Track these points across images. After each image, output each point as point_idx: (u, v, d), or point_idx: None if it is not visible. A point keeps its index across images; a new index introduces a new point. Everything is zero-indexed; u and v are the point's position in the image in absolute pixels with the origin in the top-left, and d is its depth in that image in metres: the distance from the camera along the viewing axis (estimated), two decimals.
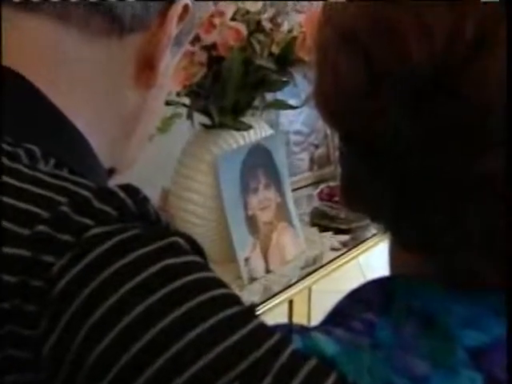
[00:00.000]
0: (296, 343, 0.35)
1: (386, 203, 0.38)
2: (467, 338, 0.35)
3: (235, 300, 0.36)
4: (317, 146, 1.67)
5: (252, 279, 1.14)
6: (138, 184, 0.39)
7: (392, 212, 0.38)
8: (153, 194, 0.40)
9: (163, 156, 1.16)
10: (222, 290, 0.36)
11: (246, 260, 1.13)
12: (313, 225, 1.40)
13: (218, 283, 0.36)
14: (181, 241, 0.37)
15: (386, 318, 0.37)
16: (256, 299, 1.09)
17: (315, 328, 0.38)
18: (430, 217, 0.36)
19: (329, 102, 0.39)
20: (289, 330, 0.36)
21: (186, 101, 1.15)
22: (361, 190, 0.40)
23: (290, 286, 1.15)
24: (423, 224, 0.36)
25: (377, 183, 0.38)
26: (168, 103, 1.09)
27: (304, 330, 0.37)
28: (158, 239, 0.36)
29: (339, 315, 0.39)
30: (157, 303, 0.33)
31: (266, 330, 0.35)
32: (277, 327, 0.36)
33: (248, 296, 1.07)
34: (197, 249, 0.38)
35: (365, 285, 0.40)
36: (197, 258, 0.37)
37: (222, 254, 1.13)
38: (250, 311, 0.35)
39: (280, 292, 1.13)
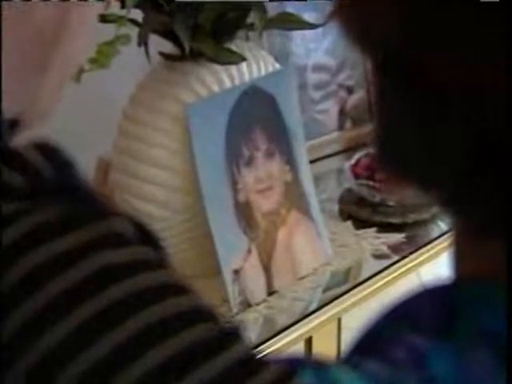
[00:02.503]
0: (308, 380, 0.37)
1: (447, 167, 0.40)
2: None
3: (207, 314, 0.38)
4: (350, 90, 1.67)
5: (245, 304, 1.16)
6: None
7: (457, 180, 0.40)
8: (84, 166, 0.42)
9: (101, 105, 1.17)
10: (185, 300, 0.38)
11: (236, 273, 1.15)
12: (344, 217, 1.42)
13: (179, 289, 0.38)
14: (123, 225, 0.39)
15: (443, 342, 0.39)
16: (252, 335, 1.11)
17: (338, 361, 0.40)
18: None
19: (360, 10, 0.41)
20: (297, 362, 0.38)
21: (138, 16, 1.16)
22: (407, 150, 0.42)
23: (307, 316, 1.17)
24: (506, 196, 0.38)
25: (434, 136, 0.40)
26: (107, 19, 1.10)
27: (321, 365, 0.39)
28: (88, 223, 0.38)
29: (373, 340, 0.41)
30: (89, 321, 0.35)
31: (255, 362, 0.37)
32: (278, 361, 0.38)
33: None
34: (148, 237, 0.40)
35: (413, 296, 0.42)
36: (148, 251, 0.39)
37: (196, 263, 1.14)
38: (231, 333, 0.37)
39: (291, 325, 1.15)
